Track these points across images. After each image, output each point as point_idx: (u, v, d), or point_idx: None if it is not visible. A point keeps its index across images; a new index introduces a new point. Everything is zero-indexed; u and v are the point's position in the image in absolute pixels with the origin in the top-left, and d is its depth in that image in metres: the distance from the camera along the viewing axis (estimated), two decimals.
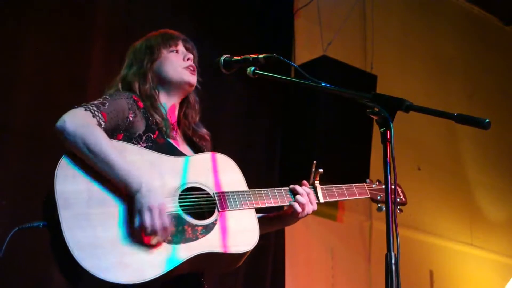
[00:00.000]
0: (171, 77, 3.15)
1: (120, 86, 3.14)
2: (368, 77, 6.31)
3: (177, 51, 3.21)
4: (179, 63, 3.17)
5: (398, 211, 3.45)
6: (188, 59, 3.19)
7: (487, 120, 2.42)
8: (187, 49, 3.25)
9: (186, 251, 2.75)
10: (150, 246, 2.70)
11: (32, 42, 4.71)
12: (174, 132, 3.12)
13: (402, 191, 3.58)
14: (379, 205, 3.44)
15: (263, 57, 2.92)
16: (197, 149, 3.20)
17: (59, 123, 2.77)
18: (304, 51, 6.32)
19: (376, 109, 2.51)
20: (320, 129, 5.94)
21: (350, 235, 6.47)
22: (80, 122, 2.78)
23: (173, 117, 3.18)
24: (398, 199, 3.52)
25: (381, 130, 2.48)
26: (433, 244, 7.06)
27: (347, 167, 5.78)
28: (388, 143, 2.45)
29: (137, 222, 2.69)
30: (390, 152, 2.44)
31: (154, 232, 2.69)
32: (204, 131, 3.28)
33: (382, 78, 6.33)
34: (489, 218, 7.65)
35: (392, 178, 2.43)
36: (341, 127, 5.96)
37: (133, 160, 2.83)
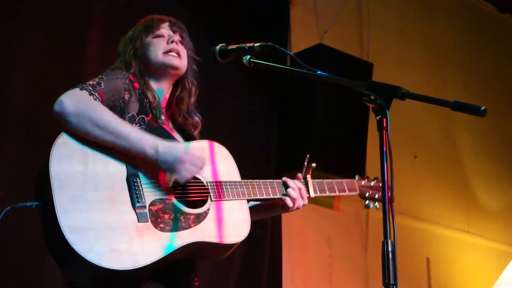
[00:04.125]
0: (153, 62, 3.11)
1: None
2: (364, 65, 6.30)
3: (162, 36, 3.16)
4: (161, 47, 3.12)
5: (378, 206, 3.51)
6: (172, 42, 3.14)
7: (483, 108, 2.43)
8: (174, 32, 3.19)
9: (178, 239, 2.75)
10: (144, 233, 2.69)
11: (29, 35, 4.69)
12: (163, 117, 3.09)
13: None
14: (367, 202, 3.48)
15: (259, 45, 2.91)
16: (187, 136, 3.18)
17: (57, 106, 2.72)
18: (300, 40, 6.31)
19: (372, 97, 2.51)
20: (316, 121, 5.93)
21: (347, 223, 6.48)
22: (80, 100, 2.75)
23: (163, 103, 3.15)
24: (376, 195, 3.55)
25: (377, 118, 2.48)
26: (429, 231, 7.08)
27: (344, 158, 5.80)
28: (384, 131, 2.45)
29: (179, 177, 2.77)
30: (386, 140, 2.44)
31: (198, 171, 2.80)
32: (196, 120, 3.25)
33: (378, 66, 6.33)
34: (485, 205, 7.66)
35: (389, 165, 2.44)
36: (338, 118, 5.96)
37: None
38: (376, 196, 3.52)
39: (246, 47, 2.94)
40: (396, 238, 2.33)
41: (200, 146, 3.02)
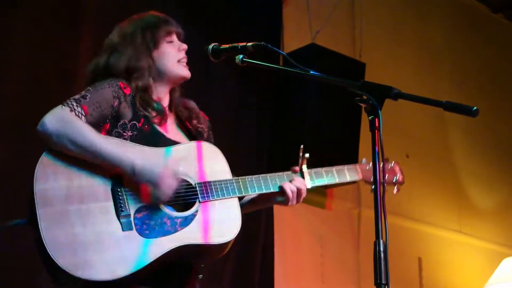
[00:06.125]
0: (169, 72, 3.09)
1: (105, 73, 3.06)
2: (356, 65, 6.30)
3: (172, 41, 3.14)
4: (175, 57, 3.10)
5: (395, 190, 3.42)
6: (182, 50, 3.13)
7: (475, 108, 2.44)
8: (177, 34, 3.16)
9: (164, 244, 2.75)
10: (127, 242, 2.70)
11: (21, 32, 4.67)
12: (165, 117, 3.08)
13: (400, 169, 3.49)
14: (373, 186, 3.36)
15: (252, 45, 2.92)
16: (190, 134, 3.16)
17: (39, 126, 2.78)
18: (293, 39, 6.30)
19: (365, 97, 2.51)
20: (310, 118, 5.93)
21: (339, 223, 6.48)
22: (60, 119, 2.78)
23: (165, 102, 3.14)
24: (395, 178, 3.44)
25: (369, 118, 2.48)
26: (421, 231, 7.09)
27: (337, 156, 5.80)
28: (376, 131, 2.45)
29: (152, 199, 2.75)
30: (378, 140, 2.44)
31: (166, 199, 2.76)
32: (191, 105, 3.22)
33: (371, 66, 6.33)
34: (477, 205, 7.68)
35: (381, 165, 2.44)
36: (331, 116, 5.96)
37: None
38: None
39: (239, 47, 2.94)
40: (388, 238, 2.33)
41: (187, 148, 2.99)
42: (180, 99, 3.23)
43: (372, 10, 7.11)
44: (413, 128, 7.19)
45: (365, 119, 2.53)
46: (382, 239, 2.33)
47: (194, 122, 3.21)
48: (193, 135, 3.17)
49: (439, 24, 7.89)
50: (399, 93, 2.52)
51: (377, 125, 2.46)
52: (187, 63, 3.18)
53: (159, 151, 2.92)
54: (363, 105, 2.53)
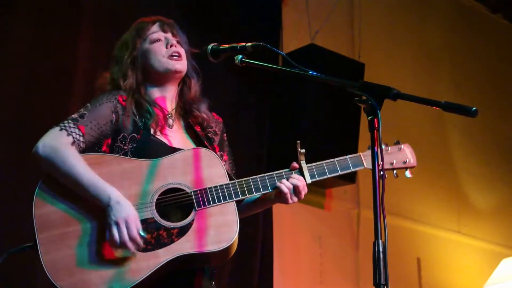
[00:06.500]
0: (156, 69, 3.07)
1: (109, 86, 3.09)
2: (355, 65, 6.31)
3: (159, 40, 3.11)
4: (162, 53, 3.08)
5: (408, 174, 3.29)
6: (171, 46, 3.10)
7: (474, 108, 2.44)
8: (165, 31, 3.13)
9: (160, 256, 2.75)
10: (124, 256, 2.73)
11: (21, 32, 4.67)
12: (171, 121, 3.08)
13: (411, 152, 3.35)
14: (381, 172, 3.03)
15: (251, 45, 2.92)
16: (198, 139, 3.13)
17: (33, 150, 2.83)
18: (292, 40, 6.31)
19: (364, 97, 2.51)
20: (309, 118, 5.93)
21: (338, 223, 6.48)
22: (50, 145, 2.81)
23: (168, 107, 3.12)
24: (405, 161, 3.29)
25: (368, 118, 2.48)
26: (420, 231, 7.09)
27: (336, 157, 5.77)
28: (375, 131, 2.45)
29: (107, 236, 2.73)
30: (377, 140, 2.44)
31: (121, 245, 2.71)
32: (201, 114, 3.18)
33: (370, 66, 6.33)
34: (476, 205, 7.68)
35: (380, 165, 2.44)
36: (330, 116, 5.96)
37: (108, 171, 2.83)
38: (389, 165, 3.24)
39: (238, 47, 2.94)
40: (387, 238, 2.33)
41: (183, 157, 2.95)
42: (198, 104, 3.20)
43: (371, 11, 7.11)
44: (412, 128, 7.18)
45: (364, 120, 2.52)
46: (381, 239, 2.33)
47: (205, 127, 3.18)
48: (201, 140, 3.13)
49: (438, 25, 7.90)
50: (398, 94, 2.52)
51: (376, 125, 2.46)
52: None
53: (147, 164, 2.89)
54: (362, 106, 2.53)
